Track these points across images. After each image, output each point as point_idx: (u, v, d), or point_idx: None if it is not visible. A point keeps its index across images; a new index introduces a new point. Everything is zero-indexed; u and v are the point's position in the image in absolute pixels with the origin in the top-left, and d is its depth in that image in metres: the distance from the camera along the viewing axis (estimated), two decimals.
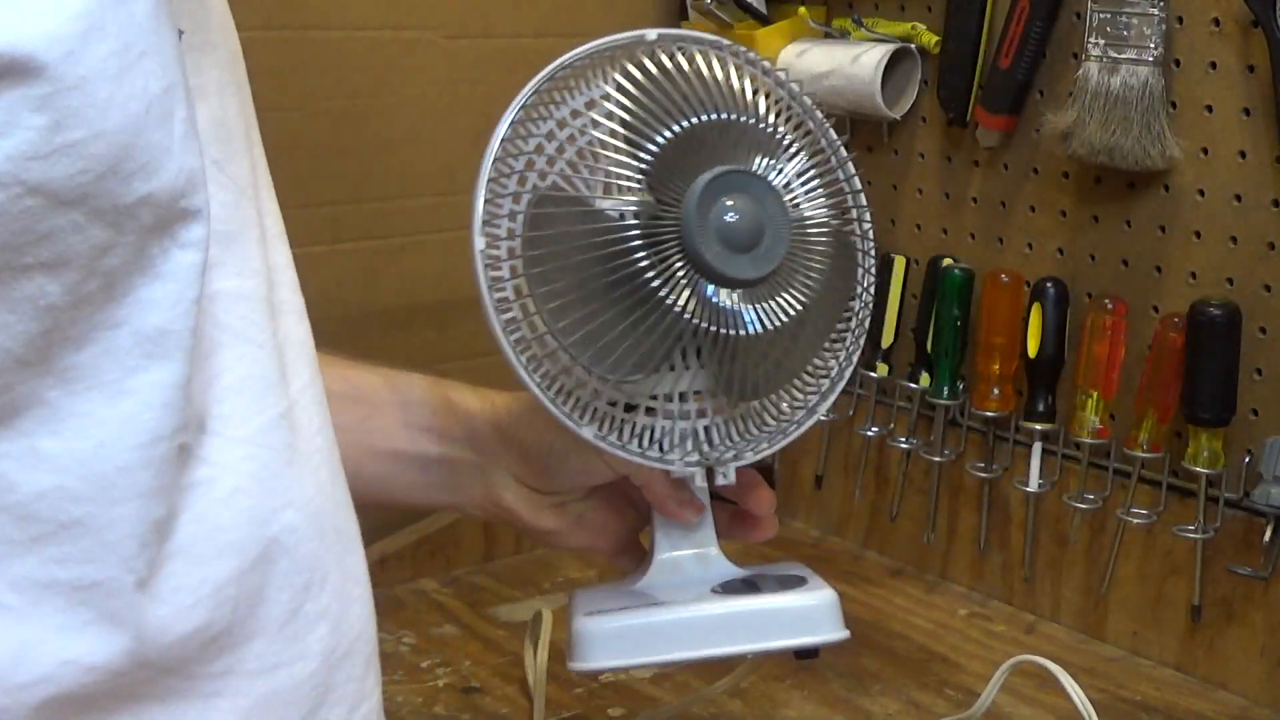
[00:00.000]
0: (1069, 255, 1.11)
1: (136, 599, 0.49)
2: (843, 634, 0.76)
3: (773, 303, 0.74)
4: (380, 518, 1.21)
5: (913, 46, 1.18)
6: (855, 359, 0.80)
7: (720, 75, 0.76)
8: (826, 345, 0.79)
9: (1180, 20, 1.01)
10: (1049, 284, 1.10)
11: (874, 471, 1.26)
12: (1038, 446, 1.11)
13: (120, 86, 0.44)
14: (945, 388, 1.16)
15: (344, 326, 1.17)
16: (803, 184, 0.76)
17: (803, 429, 0.79)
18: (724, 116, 0.74)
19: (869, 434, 1.24)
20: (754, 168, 0.74)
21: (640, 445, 0.75)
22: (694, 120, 0.73)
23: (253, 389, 0.55)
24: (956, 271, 1.15)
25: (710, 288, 0.72)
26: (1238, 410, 1.00)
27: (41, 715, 0.48)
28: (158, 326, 0.48)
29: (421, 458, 0.81)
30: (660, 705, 1.01)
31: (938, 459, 1.18)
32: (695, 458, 0.76)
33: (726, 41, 0.78)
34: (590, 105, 0.74)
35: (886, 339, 1.21)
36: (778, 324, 0.74)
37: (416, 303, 1.22)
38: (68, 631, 0.48)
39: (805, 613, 0.76)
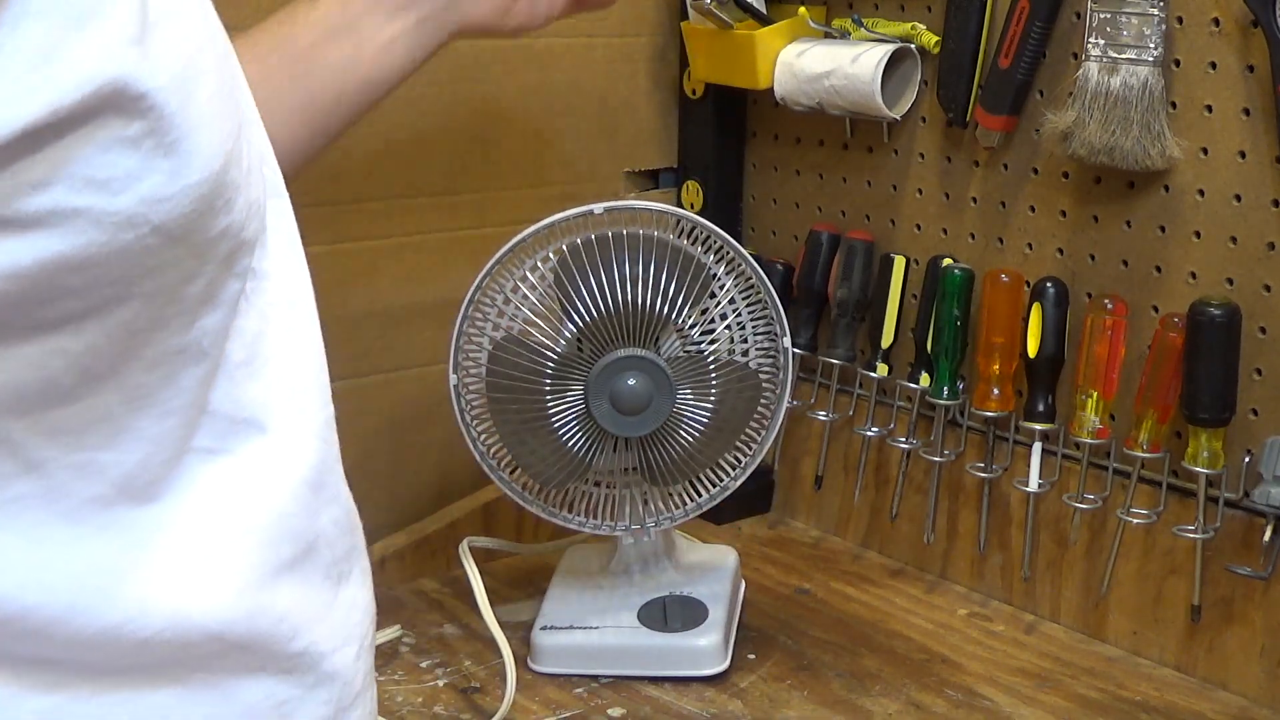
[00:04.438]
0: (1069, 255, 1.11)
1: None
2: (721, 667, 1.04)
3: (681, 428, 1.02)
4: (381, 518, 1.21)
5: (913, 46, 1.18)
6: (766, 447, 1.06)
7: (659, 235, 1.00)
8: (742, 438, 1.05)
9: (1180, 20, 1.01)
10: (1049, 284, 1.10)
11: (874, 471, 1.26)
12: (1038, 446, 1.11)
13: (218, 127, 0.46)
14: (945, 388, 1.16)
15: (344, 326, 1.17)
16: (725, 325, 1.02)
17: (716, 500, 1.07)
18: (643, 302, 0.99)
19: (869, 434, 1.24)
20: (658, 348, 1.00)
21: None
22: (619, 299, 0.98)
23: (313, 388, 0.58)
24: (956, 271, 1.15)
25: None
26: (1238, 410, 1.00)
27: None
28: (204, 349, 0.50)
29: (404, 29, 0.94)
30: (660, 705, 1.01)
31: (938, 459, 1.18)
32: (636, 527, 1.07)
33: (663, 206, 1.03)
34: (535, 271, 1.01)
35: (886, 339, 1.21)
36: (691, 438, 1.02)
37: (416, 303, 1.22)
38: None
39: (694, 653, 1.04)
